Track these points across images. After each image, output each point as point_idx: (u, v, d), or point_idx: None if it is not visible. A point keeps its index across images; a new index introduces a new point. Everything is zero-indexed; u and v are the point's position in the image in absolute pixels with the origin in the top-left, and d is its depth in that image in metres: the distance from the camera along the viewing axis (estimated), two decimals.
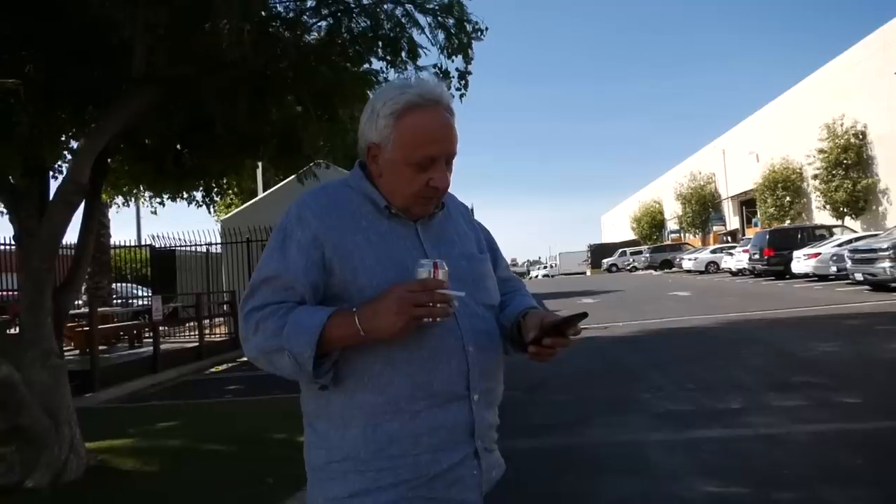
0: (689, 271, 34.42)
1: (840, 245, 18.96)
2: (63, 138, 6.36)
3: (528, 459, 4.67)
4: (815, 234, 22.75)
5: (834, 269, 18.23)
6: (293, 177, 7.93)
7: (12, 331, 8.06)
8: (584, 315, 1.34)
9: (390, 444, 1.32)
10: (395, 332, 1.25)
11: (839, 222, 25.98)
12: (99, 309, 10.31)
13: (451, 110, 1.41)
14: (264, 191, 19.98)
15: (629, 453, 4.74)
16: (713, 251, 33.67)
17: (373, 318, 1.26)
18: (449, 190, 1.46)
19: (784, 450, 4.61)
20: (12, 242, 8.06)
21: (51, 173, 6.27)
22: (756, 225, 35.15)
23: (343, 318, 1.28)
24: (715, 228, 43.41)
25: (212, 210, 8.87)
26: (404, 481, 1.32)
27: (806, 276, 20.37)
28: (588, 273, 55.63)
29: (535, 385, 7.19)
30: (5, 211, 5.86)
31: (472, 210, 1.72)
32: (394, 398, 1.32)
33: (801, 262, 20.30)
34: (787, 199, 31.42)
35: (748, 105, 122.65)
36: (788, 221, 30.40)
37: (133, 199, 8.86)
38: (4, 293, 10.80)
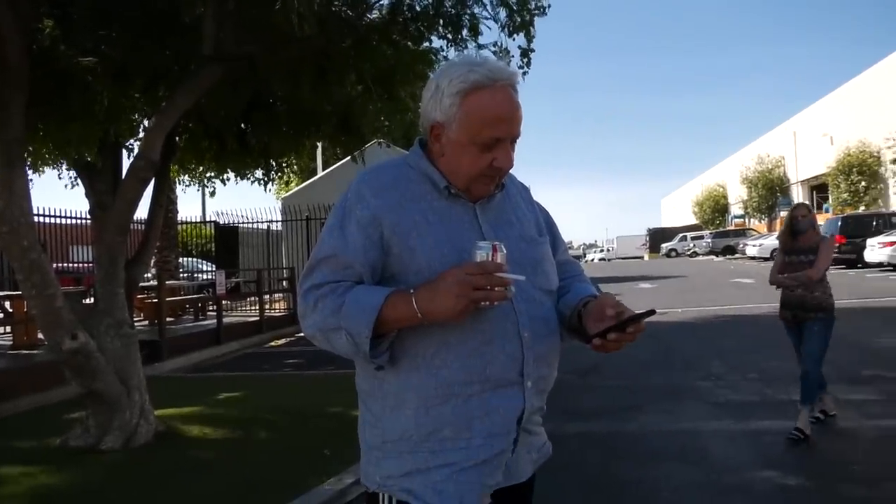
0: (752, 258, 33.18)
1: None
2: (136, 116, 6.60)
3: (580, 444, 4.64)
4: (891, 222, 21.55)
5: None
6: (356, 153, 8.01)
7: (87, 301, 8.51)
8: (651, 312, 1.32)
9: (442, 427, 1.32)
10: (453, 315, 1.25)
11: None
12: (166, 282, 10.75)
13: (516, 89, 1.38)
14: (324, 170, 20.32)
15: (685, 442, 4.64)
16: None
17: (431, 300, 1.25)
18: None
19: (853, 445, 4.43)
20: (88, 216, 8.46)
21: (124, 150, 6.53)
22: (827, 211, 33.54)
23: (400, 298, 1.27)
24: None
25: (269, 188, 9.01)
26: (454, 463, 1.33)
27: (880, 265, 19.37)
28: (646, 258, 54.40)
29: (588, 369, 7.11)
30: (80, 185, 6.13)
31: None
32: (446, 381, 1.32)
33: (876, 250, 19.29)
34: (863, 184, 29.86)
35: (822, 85, 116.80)
36: (863, 208, 28.88)
37: (198, 178, 9.12)
38: (80, 265, 11.38)
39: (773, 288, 4.82)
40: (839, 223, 22.58)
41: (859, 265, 20.82)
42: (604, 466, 4.27)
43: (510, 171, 1.47)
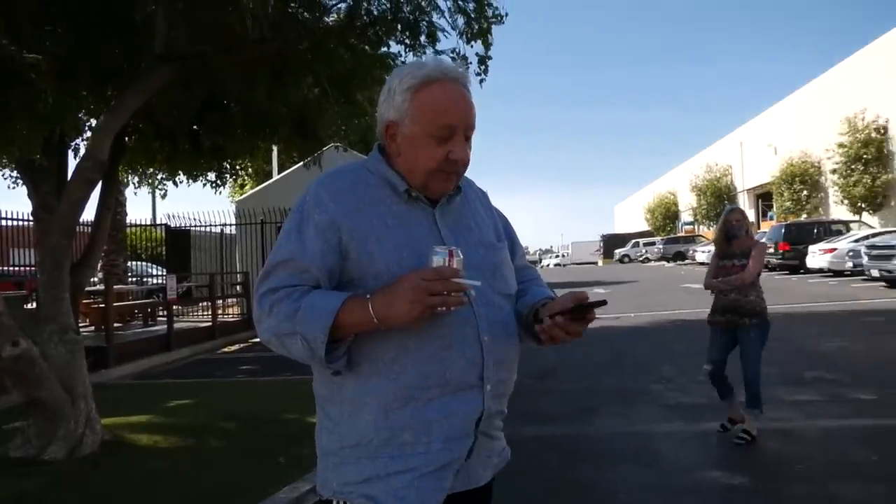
0: (702, 263, 34.09)
1: (857, 241, 18.70)
2: (82, 115, 6.39)
3: (538, 447, 4.68)
4: (831, 229, 22.47)
5: (850, 264, 18.01)
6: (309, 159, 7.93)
7: (29, 306, 8.18)
8: (603, 302, 1.34)
9: (402, 432, 1.31)
10: (410, 320, 1.24)
11: (857, 217, 25.64)
12: (114, 286, 10.42)
13: (468, 88, 1.40)
14: (279, 173, 20.03)
15: (639, 444, 4.74)
16: None
17: (387, 305, 1.24)
18: (465, 172, 1.44)
19: (796, 444, 4.59)
20: (30, 218, 8.14)
21: (70, 151, 6.32)
22: (771, 218, 34.79)
23: (357, 304, 1.26)
24: None
25: (222, 191, 8.85)
26: (414, 468, 1.32)
27: (821, 271, 20.15)
28: (600, 263, 55.33)
29: (545, 373, 7.19)
30: (23, 185, 5.90)
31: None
32: (405, 385, 1.31)
33: (817, 256, 20.07)
34: (805, 192, 31.05)
35: (767, 97, 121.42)
36: (805, 216, 30.06)
37: (149, 180, 8.91)
38: (21, 269, 10.93)
39: (709, 293, 4.88)
40: (783, 230, 23.44)
41: (801, 271, 21.62)
42: (561, 470, 4.31)
43: (468, 177, 1.49)
